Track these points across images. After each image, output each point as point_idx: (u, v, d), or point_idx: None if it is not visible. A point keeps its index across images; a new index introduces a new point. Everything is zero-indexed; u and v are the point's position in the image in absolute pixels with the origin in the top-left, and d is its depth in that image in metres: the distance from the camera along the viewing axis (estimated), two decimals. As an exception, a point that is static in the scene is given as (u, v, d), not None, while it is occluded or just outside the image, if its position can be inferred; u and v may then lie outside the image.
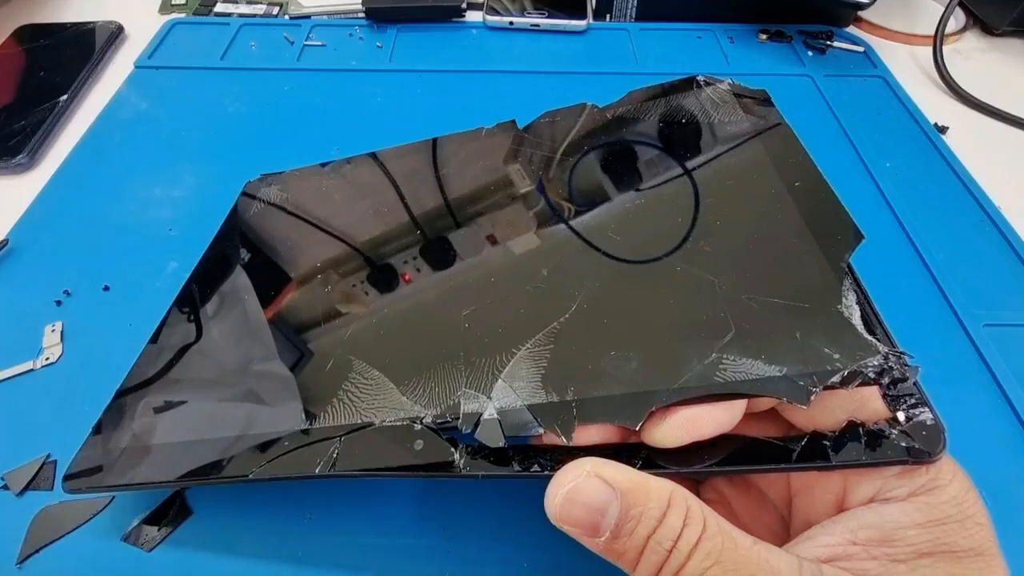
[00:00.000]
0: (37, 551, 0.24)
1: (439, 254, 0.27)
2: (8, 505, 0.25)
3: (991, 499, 0.18)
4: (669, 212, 0.26)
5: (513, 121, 0.32)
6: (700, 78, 0.31)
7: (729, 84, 0.30)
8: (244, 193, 0.33)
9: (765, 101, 0.29)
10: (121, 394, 0.26)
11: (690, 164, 0.28)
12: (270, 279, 0.28)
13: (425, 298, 0.26)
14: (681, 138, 0.29)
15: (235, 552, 0.24)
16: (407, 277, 0.27)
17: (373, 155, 0.32)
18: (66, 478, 0.24)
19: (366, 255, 0.28)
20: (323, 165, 0.33)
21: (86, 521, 0.25)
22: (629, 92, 0.31)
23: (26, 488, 0.26)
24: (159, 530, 0.25)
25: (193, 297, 0.28)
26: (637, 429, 0.19)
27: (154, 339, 0.27)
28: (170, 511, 0.25)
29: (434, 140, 0.32)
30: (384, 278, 0.27)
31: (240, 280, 0.28)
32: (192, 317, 0.28)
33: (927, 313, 0.33)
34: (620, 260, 0.25)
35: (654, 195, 0.27)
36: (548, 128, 0.31)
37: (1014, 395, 0.30)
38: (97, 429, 0.25)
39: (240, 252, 0.30)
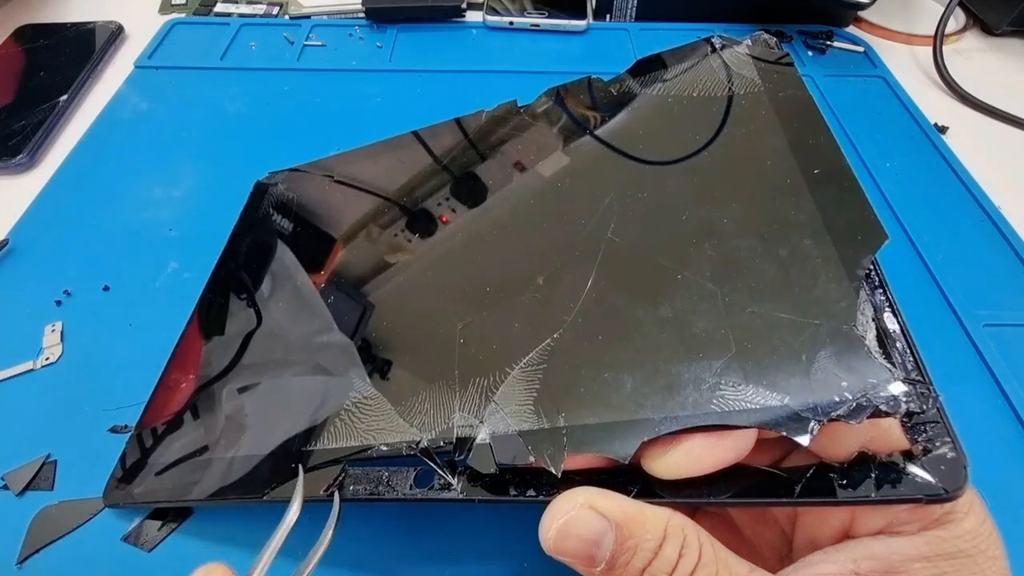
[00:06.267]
0: (37, 551, 0.24)
1: (470, 190, 0.28)
2: (8, 505, 0.25)
3: (990, 499, 0.18)
4: (673, 208, 0.24)
5: (514, 101, 0.31)
6: (716, 39, 0.28)
7: (747, 46, 0.27)
8: (255, 189, 0.34)
9: (787, 64, 0.26)
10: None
11: (698, 149, 0.25)
12: (310, 251, 0.30)
13: (422, 307, 0.26)
14: (690, 118, 0.26)
15: (235, 553, 0.24)
16: (444, 218, 0.28)
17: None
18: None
19: (402, 205, 0.29)
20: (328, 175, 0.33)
21: (86, 521, 0.25)
22: (636, 61, 0.29)
23: (26, 488, 0.26)
24: (159, 530, 0.25)
25: (244, 282, 0.30)
26: (627, 463, 0.19)
27: (216, 331, 0.29)
28: (170, 511, 0.25)
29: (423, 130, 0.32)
30: (423, 224, 0.28)
31: (286, 257, 0.30)
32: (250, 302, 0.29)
33: (927, 313, 0.33)
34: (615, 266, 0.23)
35: (657, 188, 0.25)
36: (549, 105, 0.30)
37: (1014, 395, 0.30)
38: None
39: (275, 231, 0.31)
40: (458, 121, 0.32)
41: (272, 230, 0.31)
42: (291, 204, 0.32)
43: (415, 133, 0.32)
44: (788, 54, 0.26)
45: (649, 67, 0.29)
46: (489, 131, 0.30)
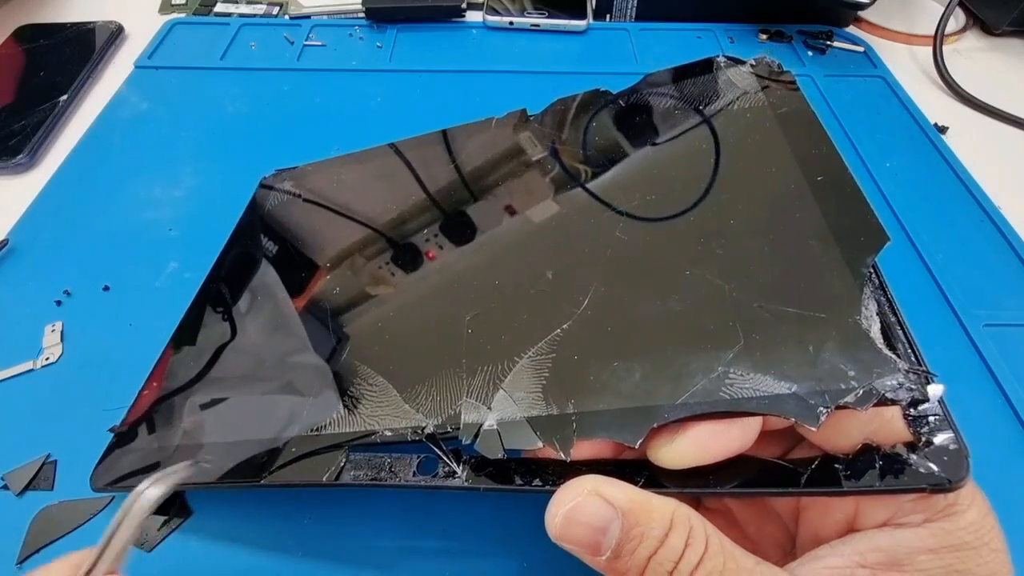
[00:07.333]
0: (37, 551, 0.24)
1: (459, 229, 0.27)
2: (8, 505, 0.25)
3: (991, 497, 0.18)
4: (680, 211, 0.25)
5: (524, 110, 0.31)
6: (720, 59, 0.29)
7: (751, 66, 0.28)
8: (260, 188, 0.34)
9: (790, 84, 0.27)
10: (164, 397, 0.26)
11: (705, 158, 0.26)
12: (295, 272, 0.29)
13: (429, 301, 0.26)
14: (697, 129, 0.27)
15: (235, 552, 0.24)
16: (431, 254, 0.27)
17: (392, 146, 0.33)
18: (113, 482, 0.24)
19: (389, 237, 0.29)
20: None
21: (86, 521, 0.25)
22: (644, 76, 0.30)
23: (26, 488, 0.26)
24: (159, 530, 0.25)
25: (223, 295, 0.29)
26: (636, 447, 0.19)
27: (188, 341, 0.28)
28: (170, 511, 0.25)
29: (444, 131, 0.32)
30: (408, 258, 0.27)
31: (268, 275, 0.29)
32: (226, 316, 0.28)
33: (927, 313, 0.33)
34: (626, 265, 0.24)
35: (665, 193, 0.26)
36: (559, 117, 0.30)
37: (1014, 395, 0.30)
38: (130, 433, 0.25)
39: (263, 248, 0.31)
40: (445, 134, 0.32)
41: (260, 244, 0.31)
42: (286, 218, 0.32)
43: (399, 149, 0.32)
44: (790, 73, 0.27)
45: (654, 84, 0.30)
46: (503, 143, 0.30)
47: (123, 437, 0.26)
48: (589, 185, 0.28)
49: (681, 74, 0.29)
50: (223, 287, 0.29)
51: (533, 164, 0.29)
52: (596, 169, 0.28)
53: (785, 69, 0.28)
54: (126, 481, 0.24)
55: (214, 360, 0.27)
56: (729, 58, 0.29)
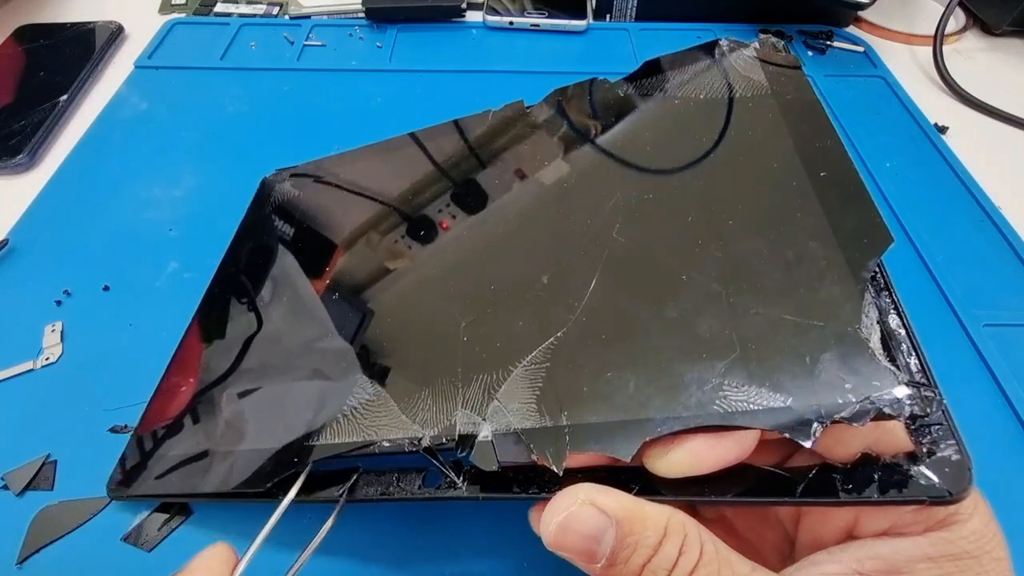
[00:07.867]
0: (37, 551, 0.24)
1: (471, 197, 0.28)
2: (8, 505, 0.25)
3: (990, 498, 0.18)
4: (678, 209, 0.24)
5: (521, 101, 0.31)
6: (723, 42, 0.28)
7: (755, 49, 0.27)
8: (264, 182, 0.34)
9: (795, 68, 0.26)
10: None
11: (704, 151, 0.25)
12: (306, 261, 0.29)
13: (425, 304, 0.26)
14: (696, 120, 0.26)
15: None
16: (444, 224, 0.27)
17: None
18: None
19: (401, 211, 0.29)
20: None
21: (86, 521, 0.25)
22: (644, 62, 0.29)
23: (26, 488, 0.26)
24: (159, 530, 0.25)
25: (244, 286, 0.29)
26: (629, 461, 0.19)
27: (218, 334, 0.28)
28: (170, 511, 0.25)
29: (453, 121, 0.32)
30: (423, 231, 0.28)
31: (286, 262, 0.29)
32: (251, 306, 0.29)
33: (927, 313, 0.33)
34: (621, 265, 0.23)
35: (662, 189, 0.25)
36: (557, 106, 0.30)
37: (1014, 395, 0.30)
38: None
39: (276, 237, 0.31)
40: (459, 123, 0.32)
41: (274, 233, 0.31)
42: (294, 206, 0.32)
43: (416, 136, 0.32)
44: (796, 57, 0.27)
45: (656, 70, 0.29)
46: (492, 137, 0.30)
47: (171, 429, 0.26)
48: (590, 163, 0.27)
49: (684, 59, 0.29)
50: (243, 278, 0.30)
51: (540, 125, 0.29)
52: (600, 138, 0.28)
53: (789, 52, 0.27)
54: (169, 475, 0.24)
55: (244, 351, 0.27)
56: (733, 41, 0.28)
